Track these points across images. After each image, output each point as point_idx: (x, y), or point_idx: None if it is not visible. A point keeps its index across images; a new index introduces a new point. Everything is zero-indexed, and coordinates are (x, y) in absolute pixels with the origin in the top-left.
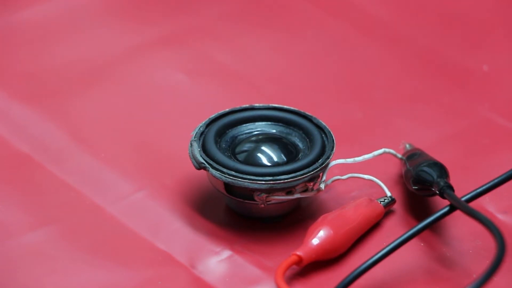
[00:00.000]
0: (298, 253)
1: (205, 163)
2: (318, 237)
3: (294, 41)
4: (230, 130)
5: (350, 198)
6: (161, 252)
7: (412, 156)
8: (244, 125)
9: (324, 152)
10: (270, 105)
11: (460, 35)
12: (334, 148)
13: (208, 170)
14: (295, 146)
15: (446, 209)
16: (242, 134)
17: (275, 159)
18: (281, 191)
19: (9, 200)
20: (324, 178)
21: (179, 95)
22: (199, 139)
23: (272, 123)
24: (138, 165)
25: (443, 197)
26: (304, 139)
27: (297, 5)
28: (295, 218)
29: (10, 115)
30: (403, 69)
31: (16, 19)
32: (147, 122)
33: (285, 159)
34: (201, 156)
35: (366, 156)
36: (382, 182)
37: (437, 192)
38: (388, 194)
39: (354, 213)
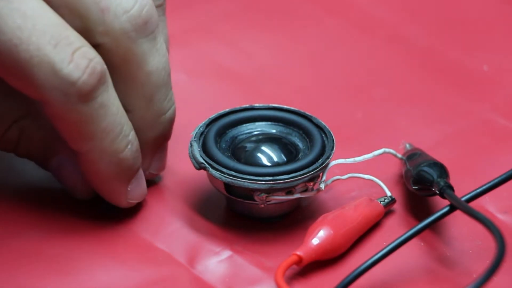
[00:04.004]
0: (298, 253)
1: (205, 163)
2: (318, 237)
3: (294, 41)
4: (230, 130)
5: (350, 198)
6: (161, 252)
7: (412, 156)
8: (244, 125)
9: (324, 152)
10: (270, 105)
11: (460, 35)
12: (334, 148)
13: (208, 170)
14: (295, 146)
15: (446, 209)
16: (242, 134)
17: (275, 159)
18: (281, 191)
19: (8, 200)
20: (324, 178)
21: (179, 95)
22: (199, 139)
23: (272, 123)
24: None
25: (443, 197)
26: (304, 139)
27: (297, 5)
28: (295, 218)
29: None
30: (403, 69)
31: None
32: None
33: (285, 159)
34: (201, 156)
35: (366, 156)
36: (382, 182)
37: (437, 192)
38: (388, 194)
39: (354, 213)
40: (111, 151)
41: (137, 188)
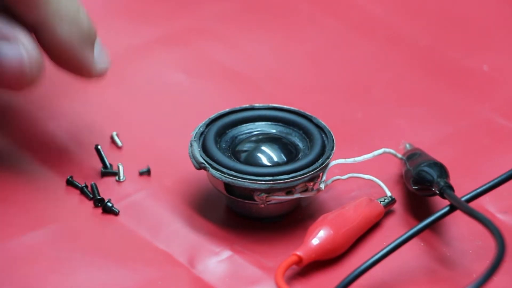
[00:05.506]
0: (298, 253)
1: (205, 163)
2: (318, 237)
3: (294, 41)
4: (230, 130)
5: (350, 198)
6: (161, 252)
7: (412, 156)
8: (244, 125)
9: (324, 152)
10: (270, 105)
11: (460, 35)
12: (334, 148)
13: (208, 170)
14: (295, 146)
15: (446, 209)
16: (242, 134)
17: (275, 159)
18: (281, 191)
19: (9, 200)
20: (324, 178)
21: (179, 95)
22: (199, 139)
23: (272, 123)
24: (138, 165)
25: (443, 197)
26: (304, 139)
27: (297, 5)
28: (295, 218)
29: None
30: (403, 69)
31: None
32: (147, 122)
33: (285, 159)
34: (201, 156)
35: (366, 156)
36: (382, 182)
37: (437, 192)
38: (388, 194)
39: (354, 213)
40: (66, 13)
41: (102, 54)
